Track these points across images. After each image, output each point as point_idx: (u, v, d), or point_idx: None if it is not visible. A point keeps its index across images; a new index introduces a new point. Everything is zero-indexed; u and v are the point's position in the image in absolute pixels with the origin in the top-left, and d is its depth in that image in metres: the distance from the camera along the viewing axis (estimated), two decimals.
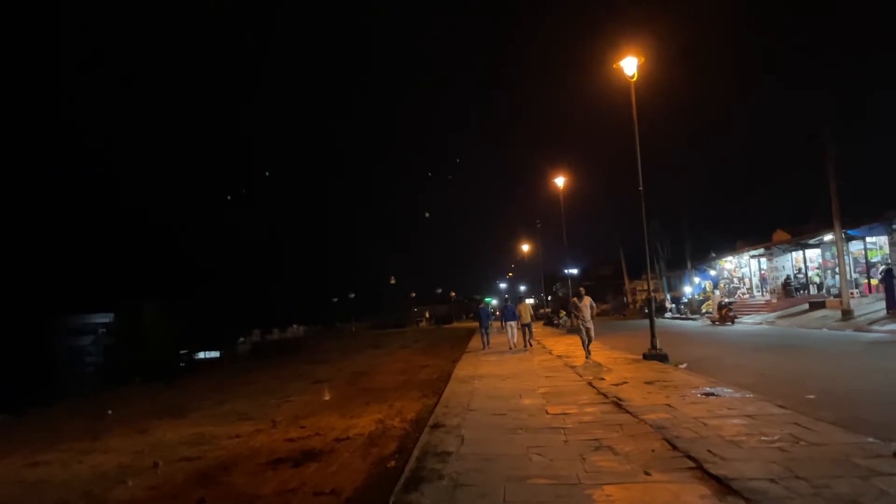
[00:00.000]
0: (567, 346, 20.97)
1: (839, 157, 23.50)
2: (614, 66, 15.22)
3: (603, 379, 11.59)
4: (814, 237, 28.73)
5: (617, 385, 10.70)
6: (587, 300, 15.86)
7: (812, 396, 9.42)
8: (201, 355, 56.51)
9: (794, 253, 32.62)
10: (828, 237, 27.27)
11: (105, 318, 53.51)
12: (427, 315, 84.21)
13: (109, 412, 19.76)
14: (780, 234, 32.77)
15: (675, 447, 6.14)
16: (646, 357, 14.71)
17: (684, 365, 14.05)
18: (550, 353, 18.58)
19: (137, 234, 58.36)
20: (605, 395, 9.66)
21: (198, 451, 11.16)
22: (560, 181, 29.72)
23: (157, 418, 16.37)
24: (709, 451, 5.92)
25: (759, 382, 11.25)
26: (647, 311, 45.73)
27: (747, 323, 29.50)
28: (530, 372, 13.92)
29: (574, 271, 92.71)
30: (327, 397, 16.95)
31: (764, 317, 29.94)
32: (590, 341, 15.82)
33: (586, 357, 15.50)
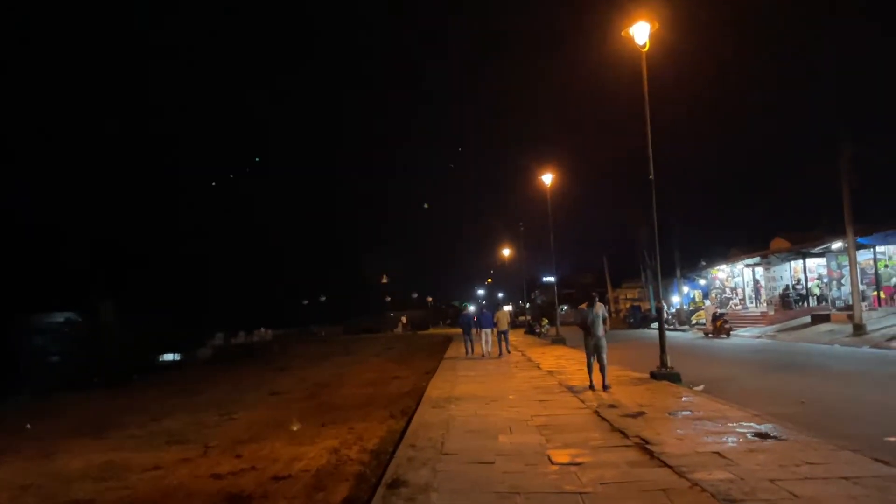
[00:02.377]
0: (556, 359, 18.64)
1: (854, 159, 21.52)
2: (623, 33, 12.97)
3: (613, 406, 9.25)
4: (819, 245, 26.77)
5: (634, 417, 8.36)
6: (599, 307, 11.80)
7: (893, 439, 7.19)
8: (169, 357, 53.60)
9: (792, 262, 30.69)
10: (836, 245, 25.32)
11: (65, 316, 50.41)
12: (405, 320, 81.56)
13: (28, 426, 17.19)
14: (778, 242, 30.82)
15: None
16: (654, 376, 12.43)
17: (700, 387, 11.82)
18: (539, 367, 16.18)
19: (98, 229, 55.13)
20: (623, 434, 7.31)
21: (95, 490, 8.70)
22: (548, 178, 27.44)
23: (75, 436, 13.90)
24: None
25: (807, 413, 9.06)
26: (631, 320, 43.72)
27: (744, 336, 27.46)
28: (519, 393, 11.54)
29: (552, 279, 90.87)
30: (278, 414, 14.54)
31: (762, 330, 27.92)
32: (602, 366, 11.57)
33: (591, 386, 11.59)
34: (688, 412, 8.65)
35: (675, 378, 12.11)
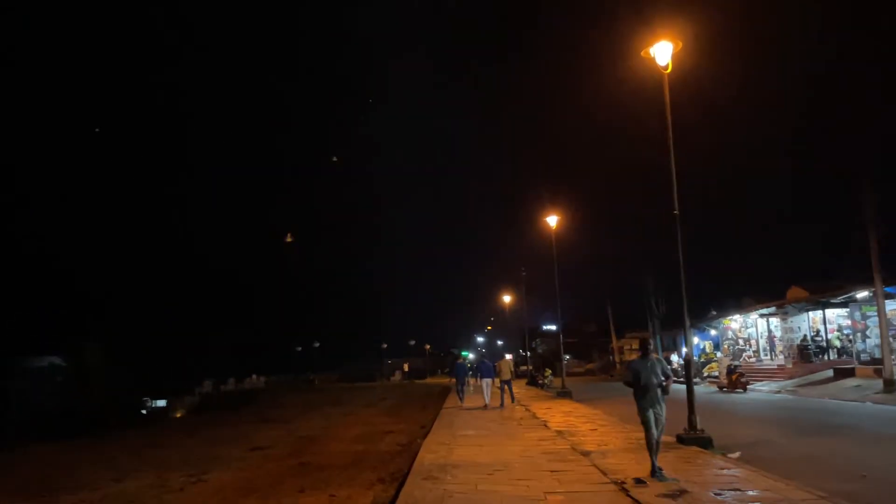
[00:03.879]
0: (565, 415, 16.91)
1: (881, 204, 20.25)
2: (643, 53, 11.73)
3: (643, 482, 7.62)
4: (841, 294, 25.20)
5: (674, 497, 6.76)
6: (655, 357, 8.54)
7: None
8: (161, 403, 51.73)
9: (811, 313, 29.08)
10: (861, 294, 23.78)
11: (49, 360, 48.72)
12: (406, 368, 79.13)
13: None
14: (795, 291, 29.30)
15: None
16: (682, 440, 10.77)
17: (736, 454, 10.18)
18: (546, 426, 14.45)
19: (87, 271, 53.78)
20: None
21: None
22: (552, 220, 26.03)
23: (20, 500, 12.33)
24: None
25: (875, 492, 7.54)
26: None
27: (762, 391, 25.72)
28: (526, 459, 9.86)
29: (553, 327, 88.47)
30: (253, 476, 12.87)
31: (780, 384, 26.20)
32: (657, 442, 8.18)
33: (655, 472, 7.88)
34: (738, 491, 7.05)
35: (706, 443, 10.48)
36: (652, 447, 8.07)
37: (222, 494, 11.31)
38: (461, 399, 22.85)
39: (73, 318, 47.52)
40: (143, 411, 46.48)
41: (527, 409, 19.18)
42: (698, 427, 10.79)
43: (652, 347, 9.15)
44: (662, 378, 8.22)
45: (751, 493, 6.93)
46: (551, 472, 8.57)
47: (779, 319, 30.04)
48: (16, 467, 18.38)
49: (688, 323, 12.00)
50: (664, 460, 9.11)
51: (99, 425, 31.21)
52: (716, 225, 34.26)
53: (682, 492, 7.01)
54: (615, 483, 7.64)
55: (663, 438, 11.17)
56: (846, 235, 23.82)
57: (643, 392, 8.18)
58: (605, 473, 8.27)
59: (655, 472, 7.90)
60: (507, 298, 55.64)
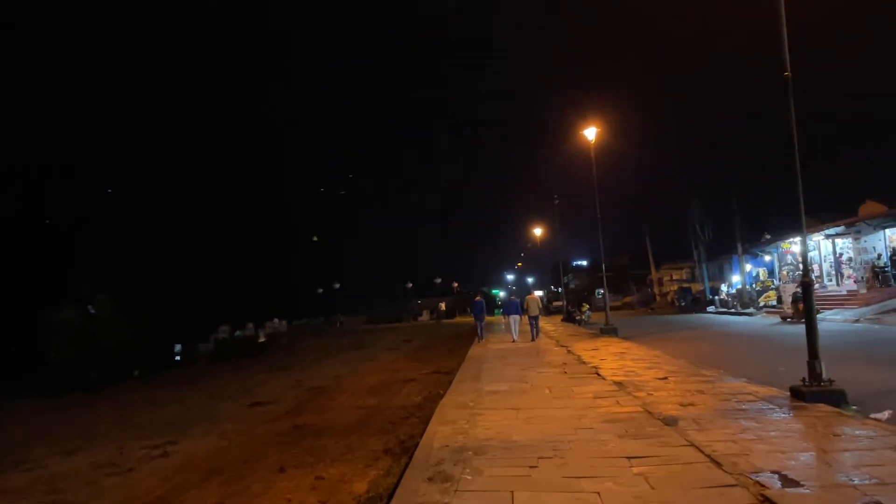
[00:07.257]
0: (618, 359, 13.71)
1: None
2: None
3: (785, 477, 4.53)
4: None
5: None
6: None
7: None
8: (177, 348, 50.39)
9: (888, 230, 25.41)
10: None
11: (60, 312, 46.96)
12: (443, 307, 76.69)
13: None
14: (870, 206, 25.64)
15: None
16: (801, 396, 7.63)
17: (885, 414, 7.10)
18: (598, 374, 11.32)
19: (94, 213, 51.52)
20: None
21: None
22: (591, 133, 22.37)
23: None
24: None
25: None
26: (682, 303, 38.46)
27: (835, 320, 22.46)
28: (584, 433, 6.71)
29: (584, 263, 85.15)
30: (232, 444, 10.23)
31: (856, 312, 22.92)
32: None
33: None
34: None
35: (837, 399, 7.37)
36: None
37: (179, 477, 8.69)
38: (480, 337, 22.87)
39: (81, 267, 45.53)
40: (177, 357, 44.94)
41: (569, 352, 16.02)
42: (824, 377, 7.65)
43: None
44: None
45: None
46: (628, 458, 5.49)
47: (850, 239, 26.45)
48: None
49: (805, 231, 8.72)
50: (797, 430, 6.02)
51: (106, 378, 29.49)
52: (771, 133, 30.25)
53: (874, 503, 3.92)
54: (744, 484, 4.56)
55: (768, 392, 8.19)
56: None
57: None
58: (717, 463, 5.17)
59: None
60: (537, 231, 52.25)
